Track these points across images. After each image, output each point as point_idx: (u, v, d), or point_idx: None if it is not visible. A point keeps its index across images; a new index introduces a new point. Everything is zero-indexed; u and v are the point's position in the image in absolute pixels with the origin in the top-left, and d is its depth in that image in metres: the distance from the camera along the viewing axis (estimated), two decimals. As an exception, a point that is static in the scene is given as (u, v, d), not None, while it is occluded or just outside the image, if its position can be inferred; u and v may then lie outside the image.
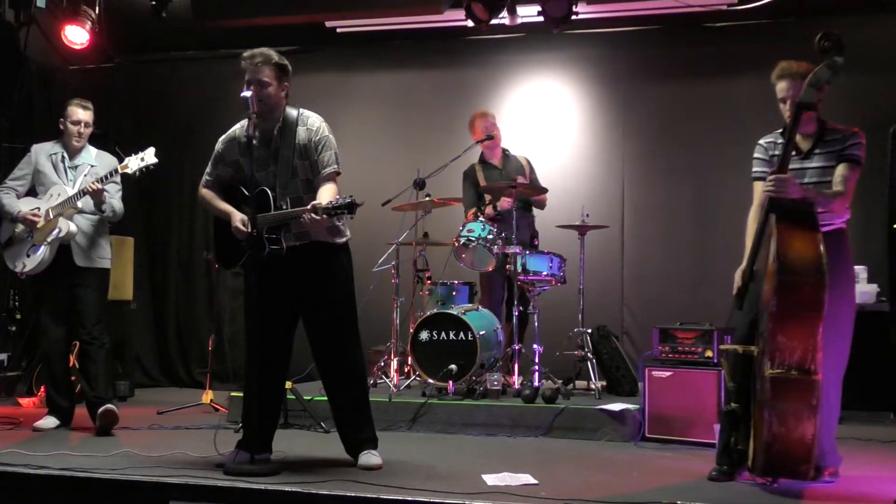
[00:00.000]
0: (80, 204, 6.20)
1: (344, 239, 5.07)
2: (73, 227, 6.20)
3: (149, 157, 6.10)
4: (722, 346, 4.82)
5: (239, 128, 5.01)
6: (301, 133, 4.93)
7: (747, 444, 4.54)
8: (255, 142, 4.87)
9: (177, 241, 9.74)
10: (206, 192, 5.13)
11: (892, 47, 7.90)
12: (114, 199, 6.31)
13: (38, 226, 6.21)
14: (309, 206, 4.62)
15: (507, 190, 7.11)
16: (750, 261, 4.64)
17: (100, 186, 6.08)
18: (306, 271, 4.95)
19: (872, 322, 6.83)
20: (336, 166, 4.92)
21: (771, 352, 4.28)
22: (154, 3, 8.07)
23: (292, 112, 4.98)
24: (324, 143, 4.92)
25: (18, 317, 8.45)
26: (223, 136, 5.10)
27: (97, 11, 8.48)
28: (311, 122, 4.96)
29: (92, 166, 6.37)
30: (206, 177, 5.15)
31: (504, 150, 7.75)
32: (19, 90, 8.88)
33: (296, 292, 4.99)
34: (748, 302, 4.66)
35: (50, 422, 6.31)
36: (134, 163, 6.10)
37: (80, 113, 6.38)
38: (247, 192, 4.87)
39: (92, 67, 9.41)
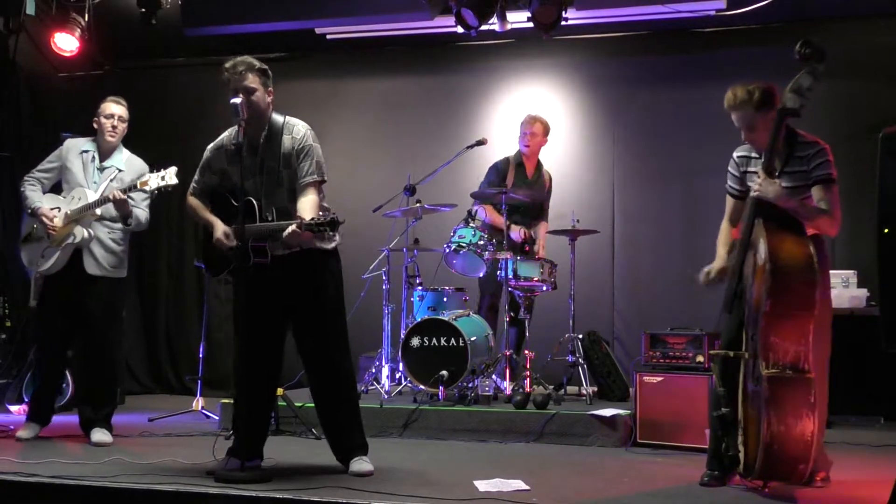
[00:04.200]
0: (99, 211, 6.04)
1: (333, 244, 5.07)
2: (87, 235, 6.04)
3: (170, 177, 5.83)
4: (711, 351, 4.83)
5: (227, 135, 5.01)
6: (286, 141, 4.90)
7: (738, 448, 4.55)
8: (242, 150, 4.87)
9: (167, 248, 9.73)
10: (192, 201, 5.11)
11: (880, 52, 7.93)
12: (138, 207, 6.12)
13: (57, 227, 6.06)
14: (294, 222, 4.60)
15: (497, 196, 7.12)
16: (738, 264, 4.64)
17: (123, 197, 5.90)
18: (296, 278, 4.94)
19: (862, 327, 6.88)
20: (316, 175, 4.87)
21: (765, 352, 4.31)
22: (143, 10, 8.07)
23: (278, 119, 4.96)
24: (306, 150, 4.88)
25: (8, 324, 8.41)
26: (211, 144, 5.08)
27: (87, 19, 8.47)
28: (296, 131, 4.94)
29: (119, 170, 6.20)
30: (193, 184, 5.14)
31: (538, 162, 7.77)
32: (8, 98, 8.86)
33: (286, 299, 4.98)
34: (735, 306, 4.67)
35: (31, 430, 6.19)
36: (154, 181, 5.85)
37: (114, 107, 6.22)
38: (234, 202, 4.88)
39: (81, 74, 9.39)
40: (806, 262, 4.33)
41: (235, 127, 4.89)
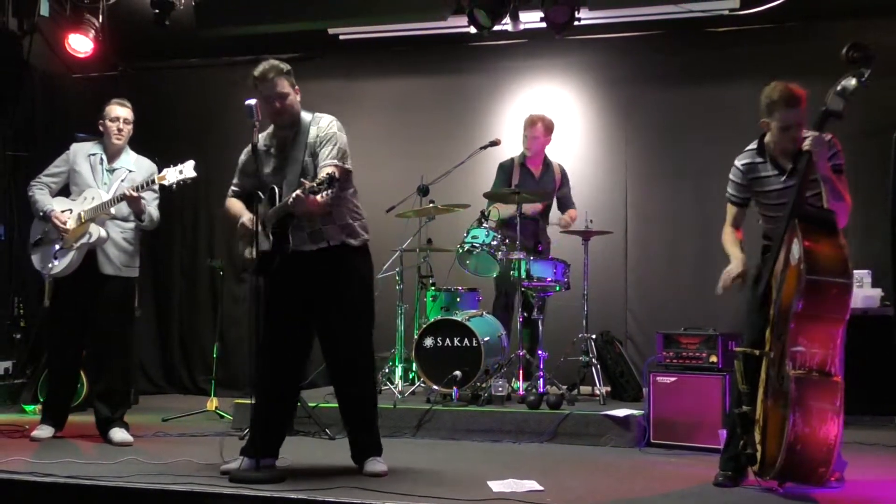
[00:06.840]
0: (113, 210, 6.10)
1: (359, 240, 5.06)
2: (104, 233, 6.08)
3: (187, 170, 5.94)
4: (736, 349, 4.81)
5: (260, 137, 5.03)
6: (312, 132, 4.96)
7: (756, 447, 4.54)
8: (272, 150, 4.97)
9: (180, 249, 9.76)
10: (228, 202, 5.18)
11: (893, 52, 7.88)
12: (150, 206, 6.19)
13: (69, 229, 6.09)
14: (297, 191, 4.61)
15: (511, 197, 7.11)
16: (773, 263, 4.61)
17: (137, 195, 5.97)
18: (320, 275, 4.95)
19: (876, 326, 6.86)
20: (336, 160, 4.87)
21: (792, 353, 4.31)
22: (157, 11, 8.09)
23: (307, 116, 5.02)
24: (329, 138, 4.93)
25: (23, 324, 8.45)
26: (246, 148, 5.12)
27: (100, 20, 8.50)
28: (322, 122, 5.00)
29: (130, 171, 6.25)
30: (232, 188, 5.21)
31: (546, 159, 7.75)
32: (23, 99, 8.90)
33: (310, 297, 4.99)
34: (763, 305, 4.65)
35: (46, 430, 6.20)
36: (172, 175, 5.96)
37: (118, 110, 6.26)
38: (262, 196, 4.92)
39: (95, 76, 9.41)
40: (841, 265, 4.32)
41: (270, 128, 4.98)
